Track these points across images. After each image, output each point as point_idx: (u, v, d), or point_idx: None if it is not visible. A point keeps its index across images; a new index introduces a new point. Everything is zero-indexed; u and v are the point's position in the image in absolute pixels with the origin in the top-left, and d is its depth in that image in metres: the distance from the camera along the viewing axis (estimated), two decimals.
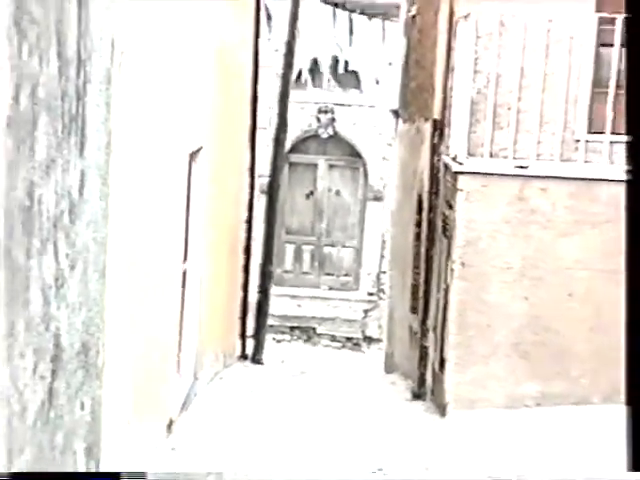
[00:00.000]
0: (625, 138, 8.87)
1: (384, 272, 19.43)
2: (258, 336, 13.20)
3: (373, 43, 19.45)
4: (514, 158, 9.10)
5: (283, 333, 19.66)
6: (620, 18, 8.79)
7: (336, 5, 19.25)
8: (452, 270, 9.10)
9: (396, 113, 15.68)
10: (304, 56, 18.46)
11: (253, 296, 13.20)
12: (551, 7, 9.06)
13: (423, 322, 10.71)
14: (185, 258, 8.16)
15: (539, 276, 8.98)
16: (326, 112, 20.54)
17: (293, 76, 14.66)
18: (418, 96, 12.49)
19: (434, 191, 10.47)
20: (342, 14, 19.04)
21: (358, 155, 20.84)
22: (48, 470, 3.64)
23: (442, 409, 9.26)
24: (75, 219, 3.80)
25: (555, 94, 9.09)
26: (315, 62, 19.65)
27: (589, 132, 9.17)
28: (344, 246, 21.09)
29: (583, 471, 7.12)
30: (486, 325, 9.01)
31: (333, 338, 20.04)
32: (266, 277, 13.71)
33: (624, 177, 8.81)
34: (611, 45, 8.93)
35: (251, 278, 12.68)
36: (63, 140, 3.59)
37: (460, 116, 9.25)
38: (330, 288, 20.95)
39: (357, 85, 20.28)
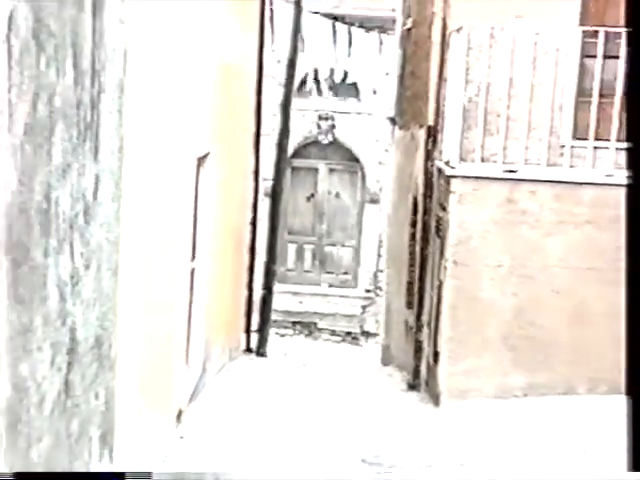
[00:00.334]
0: (607, 144, 8.92)
1: (381, 270, 19.45)
2: (262, 331, 13.17)
3: (371, 54, 19.42)
4: (504, 163, 9.12)
5: (286, 328, 19.66)
6: (602, 31, 8.82)
7: (336, 19, 19.25)
8: (445, 268, 9.11)
9: (392, 120, 15.67)
10: (306, 67, 18.45)
11: (257, 293, 13.18)
12: (538, 21, 9.10)
13: (418, 317, 10.71)
14: (193, 257, 8.16)
15: (527, 274, 8.99)
16: (326, 119, 20.56)
17: (296, 85, 14.64)
18: (413, 104, 12.49)
19: (428, 194, 10.48)
20: (341, 27, 19.02)
21: (356, 160, 20.85)
22: (64, 457, 3.65)
23: (436, 399, 9.27)
24: (90, 220, 3.80)
25: (542, 102, 9.11)
26: (316, 72, 19.64)
27: (574, 138, 9.19)
28: (343, 246, 21.10)
29: (568, 458, 7.13)
30: (477, 320, 9.02)
31: (333, 332, 20.04)
32: (270, 275, 13.68)
33: (606, 180, 8.85)
34: (594, 56, 8.94)
35: (255, 276, 12.66)
36: (78, 146, 3.59)
37: (453, 123, 9.26)
38: (330, 285, 20.97)
39: (356, 94, 20.28)
